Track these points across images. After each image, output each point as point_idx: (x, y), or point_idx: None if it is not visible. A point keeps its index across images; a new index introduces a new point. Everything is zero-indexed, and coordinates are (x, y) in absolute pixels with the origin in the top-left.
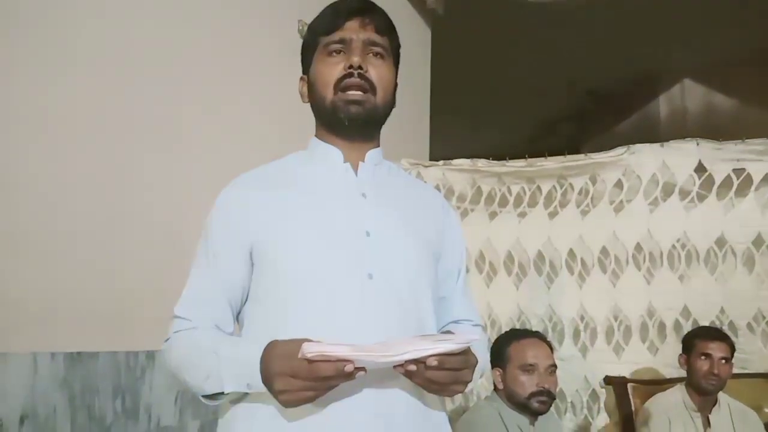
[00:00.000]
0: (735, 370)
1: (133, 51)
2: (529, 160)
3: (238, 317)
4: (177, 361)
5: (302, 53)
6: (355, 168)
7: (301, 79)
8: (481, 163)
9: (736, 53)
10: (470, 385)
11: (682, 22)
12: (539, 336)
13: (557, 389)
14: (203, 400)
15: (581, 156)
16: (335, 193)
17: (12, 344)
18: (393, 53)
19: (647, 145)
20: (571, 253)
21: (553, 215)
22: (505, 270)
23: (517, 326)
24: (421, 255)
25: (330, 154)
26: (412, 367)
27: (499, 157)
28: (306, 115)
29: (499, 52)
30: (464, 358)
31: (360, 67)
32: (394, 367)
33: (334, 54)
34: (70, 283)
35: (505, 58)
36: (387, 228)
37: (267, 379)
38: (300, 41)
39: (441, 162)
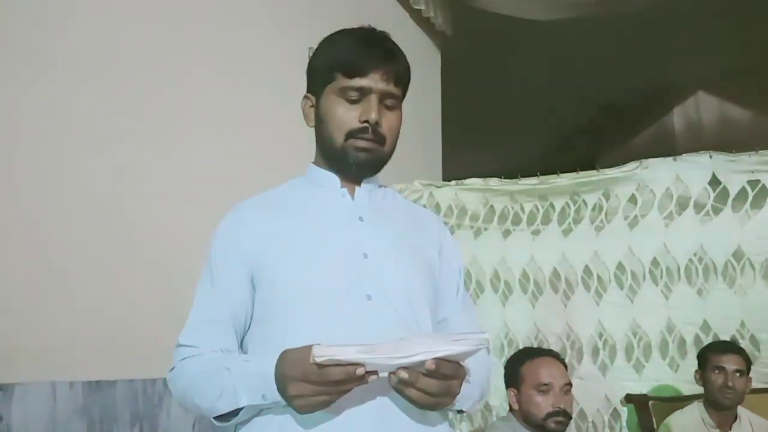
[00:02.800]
0: (758, 385)
1: (139, 66)
2: (542, 177)
3: (242, 343)
4: (185, 386)
5: (312, 74)
6: (352, 193)
7: (306, 98)
8: (493, 182)
9: (749, 63)
10: (465, 401)
11: (693, 35)
12: (553, 354)
13: (578, 409)
14: (216, 422)
15: (593, 172)
16: (333, 217)
17: (31, 374)
18: (403, 99)
19: (660, 159)
20: (587, 270)
21: (567, 232)
22: (521, 288)
23: (535, 345)
24: (419, 275)
25: (328, 180)
26: (404, 375)
27: (515, 174)
28: (312, 140)
29: (510, 70)
30: (457, 366)
31: (376, 123)
32: (388, 375)
33: (350, 101)
34: (88, 312)
35: (516, 76)
36: (384, 249)
37: (281, 386)
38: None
39: (453, 182)
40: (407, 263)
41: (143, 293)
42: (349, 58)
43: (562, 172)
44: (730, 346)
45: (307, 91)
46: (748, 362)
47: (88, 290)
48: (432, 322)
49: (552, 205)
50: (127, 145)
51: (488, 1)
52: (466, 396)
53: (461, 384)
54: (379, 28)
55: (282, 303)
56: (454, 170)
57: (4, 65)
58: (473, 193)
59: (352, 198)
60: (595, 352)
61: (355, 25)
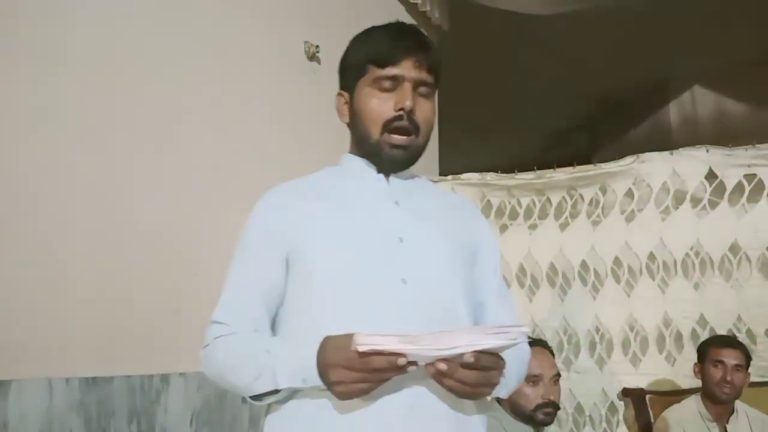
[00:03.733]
0: (754, 379)
1: (138, 65)
2: (538, 172)
3: (272, 323)
4: (220, 365)
5: (344, 69)
6: (387, 179)
7: (340, 95)
8: (490, 177)
9: (745, 56)
10: (502, 390)
11: (689, 28)
12: (542, 344)
13: (575, 403)
14: (250, 401)
15: (590, 166)
16: (369, 201)
17: (27, 370)
18: (436, 88)
19: (656, 153)
20: (584, 265)
21: (564, 227)
22: (518, 283)
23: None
24: (455, 260)
25: (364, 166)
26: (443, 366)
27: (512, 169)
28: (312, 133)
29: (506, 65)
30: (496, 358)
31: (411, 110)
32: (426, 366)
33: (385, 90)
34: (85, 308)
35: (513, 71)
36: (420, 234)
37: (322, 371)
38: (306, 61)
39: (450, 177)
40: (442, 247)
41: (140, 289)
42: (381, 48)
43: (559, 166)
44: (731, 341)
45: (341, 89)
46: (748, 357)
47: (84, 286)
48: (466, 306)
49: (549, 200)
50: (122, 141)
51: None
52: (503, 385)
53: (500, 375)
54: (376, 21)
55: (316, 285)
56: (450, 165)
57: (4, 65)
58: (470, 187)
59: (388, 182)
60: (592, 346)
61: (352, 19)
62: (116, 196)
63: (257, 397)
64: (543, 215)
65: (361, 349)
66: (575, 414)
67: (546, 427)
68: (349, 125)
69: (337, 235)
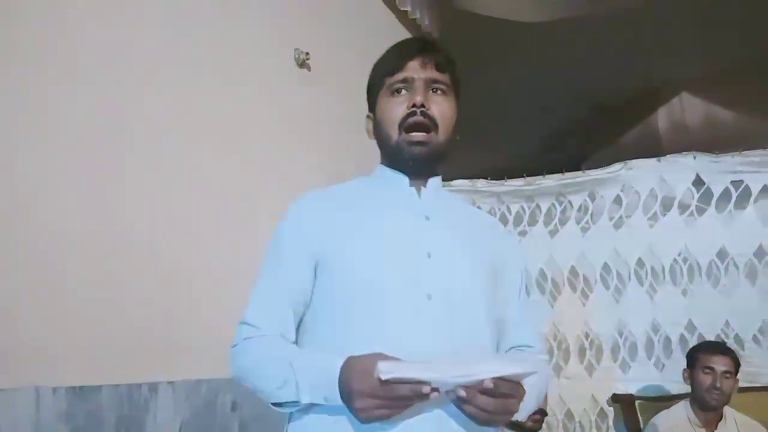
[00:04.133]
0: (742, 384)
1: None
2: (528, 178)
3: (297, 328)
4: (247, 366)
5: (368, 92)
6: (419, 192)
7: (368, 117)
8: (480, 184)
9: (733, 64)
10: (521, 414)
11: (678, 36)
12: None
13: (565, 409)
14: (273, 406)
15: (579, 173)
16: (400, 214)
17: (13, 379)
18: (454, 88)
19: (644, 160)
20: (573, 271)
21: (553, 233)
22: None
23: None
24: (481, 278)
25: (396, 178)
26: (462, 393)
27: (503, 175)
28: (302, 140)
29: (496, 72)
30: (516, 385)
31: (422, 105)
32: (447, 393)
33: (397, 93)
34: (72, 316)
35: (503, 77)
36: (448, 250)
37: (346, 395)
38: (295, 68)
39: None
40: (470, 265)
41: (129, 297)
42: (390, 59)
43: (550, 172)
44: (721, 347)
45: (369, 111)
46: (737, 364)
47: (72, 294)
48: (489, 324)
49: (538, 206)
50: (111, 148)
51: (474, 3)
52: (522, 409)
53: (519, 402)
54: (366, 28)
55: (343, 295)
56: (444, 172)
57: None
58: (460, 194)
59: (419, 196)
60: (582, 352)
61: (342, 26)
62: (107, 205)
63: (278, 404)
64: (533, 222)
65: (384, 377)
66: (565, 420)
67: None
68: (376, 141)
69: (366, 247)
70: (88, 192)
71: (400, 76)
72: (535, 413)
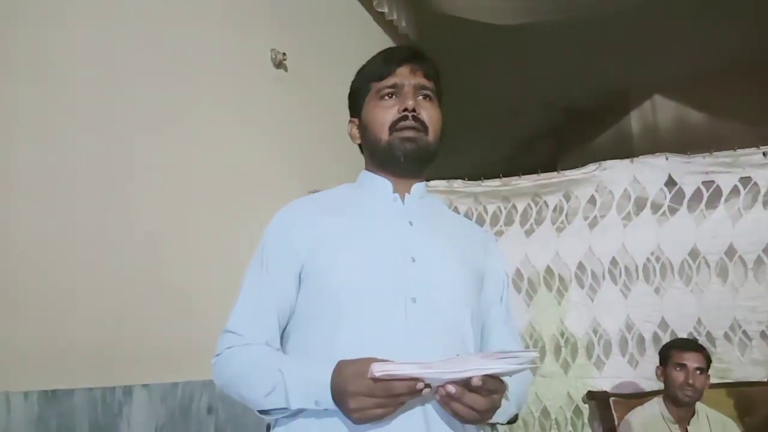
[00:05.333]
0: (714, 380)
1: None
2: (504, 179)
3: (281, 335)
4: (232, 375)
5: (351, 97)
6: (403, 198)
7: (351, 122)
8: (457, 184)
9: (704, 67)
10: (502, 415)
11: (650, 40)
12: None
13: (541, 407)
14: (259, 414)
15: (554, 174)
16: (384, 220)
17: None
18: (438, 96)
19: (618, 161)
20: (549, 270)
21: (529, 233)
22: None
23: None
24: (464, 282)
25: (380, 185)
26: (451, 389)
27: (479, 176)
28: (278, 140)
29: (472, 74)
30: (499, 381)
31: (414, 110)
32: (438, 389)
33: (387, 98)
34: (44, 319)
35: (479, 80)
36: (432, 255)
37: (339, 397)
38: (272, 69)
39: None
40: (454, 269)
41: (102, 300)
42: (378, 65)
43: (525, 173)
44: (693, 345)
45: (351, 116)
46: (709, 360)
47: (44, 297)
48: (472, 328)
49: (514, 207)
50: (84, 148)
51: (451, 6)
52: (504, 410)
53: (501, 398)
54: (343, 30)
55: (328, 302)
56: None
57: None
58: (437, 194)
59: (403, 203)
60: (557, 350)
61: (319, 27)
62: (77, 209)
63: (265, 412)
64: (509, 222)
65: (378, 375)
66: (541, 418)
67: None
68: (361, 145)
69: (351, 253)
70: (60, 199)
71: (389, 81)
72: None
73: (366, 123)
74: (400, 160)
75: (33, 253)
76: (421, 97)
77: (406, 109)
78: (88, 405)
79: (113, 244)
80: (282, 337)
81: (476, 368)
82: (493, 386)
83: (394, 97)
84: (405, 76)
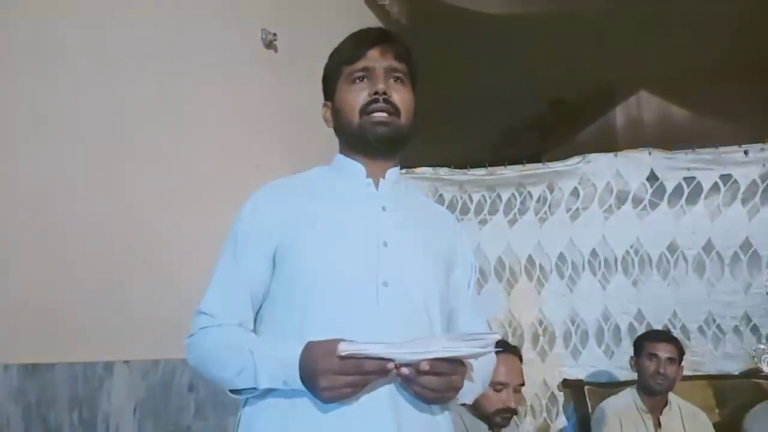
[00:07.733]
0: (687, 373)
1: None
2: (490, 168)
3: (255, 317)
4: (204, 355)
5: (324, 81)
6: (377, 183)
7: (324, 105)
8: (443, 172)
9: (689, 64)
10: (467, 395)
11: (636, 36)
12: (513, 350)
13: None
14: (230, 394)
15: (539, 165)
16: (357, 204)
17: None
18: (411, 78)
19: (602, 154)
20: (530, 260)
21: (512, 222)
22: None
23: None
24: (434, 267)
25: (354, 169)
26: (405, 371)
27: (465, 165)
28: (268, 122)
29: (462, 62)
30: (454, 365)
31: (384, 93)
32: (399, 370)
33: (358, 81)
34: (25, 292)
35: (468, 68)
36: (403, 240)
37: (308, 377)
38: (263, 49)
39: (403, 170)
40: (425, 254)
41: (84, 274)
42: (348, 48)
43: (511, 164)
44: (665, 335)
45: (325, 100)
46: (681, 351)
47: (25, 269)
48: (441, 312)
49: (499, 196)
50: (70, 129)
51: None
52: (468, 390)
53: (463, 379)
54: (334, 14)
55: (301, 285)
56: (405, 159)
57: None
58: (423, 181)
59: (377, 188)
60: (535, 338)
61: (310, 7)
62: (60, 182)
63: (236, 391)
64: (493, 211)
65: (344, 354)
66: None
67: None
68: (335, 128)
69: (323, 236)
70: (41, 170)
71: (359, 64)
72: (506, 412)
73: (338, 106)
74: (372, 144)
75: (19, 227)
76: (392, 80)
77: (376, 92)
78: (69, 379)
79: (97, 220)
80: (256, 319)
81: (441, 349)
82: (444, 370)
83: (365, 80)
84: (375, 59)
